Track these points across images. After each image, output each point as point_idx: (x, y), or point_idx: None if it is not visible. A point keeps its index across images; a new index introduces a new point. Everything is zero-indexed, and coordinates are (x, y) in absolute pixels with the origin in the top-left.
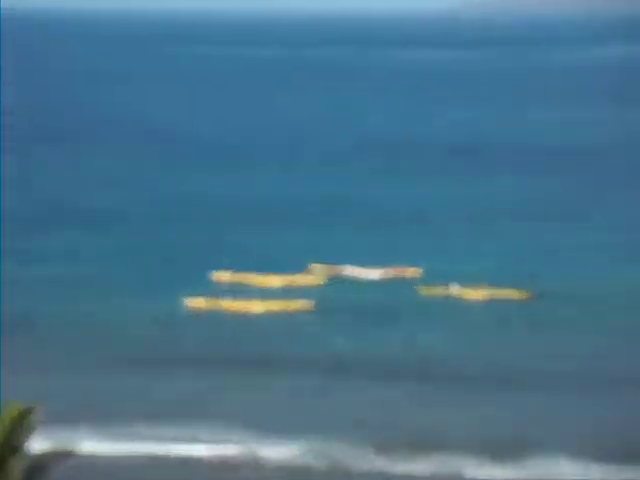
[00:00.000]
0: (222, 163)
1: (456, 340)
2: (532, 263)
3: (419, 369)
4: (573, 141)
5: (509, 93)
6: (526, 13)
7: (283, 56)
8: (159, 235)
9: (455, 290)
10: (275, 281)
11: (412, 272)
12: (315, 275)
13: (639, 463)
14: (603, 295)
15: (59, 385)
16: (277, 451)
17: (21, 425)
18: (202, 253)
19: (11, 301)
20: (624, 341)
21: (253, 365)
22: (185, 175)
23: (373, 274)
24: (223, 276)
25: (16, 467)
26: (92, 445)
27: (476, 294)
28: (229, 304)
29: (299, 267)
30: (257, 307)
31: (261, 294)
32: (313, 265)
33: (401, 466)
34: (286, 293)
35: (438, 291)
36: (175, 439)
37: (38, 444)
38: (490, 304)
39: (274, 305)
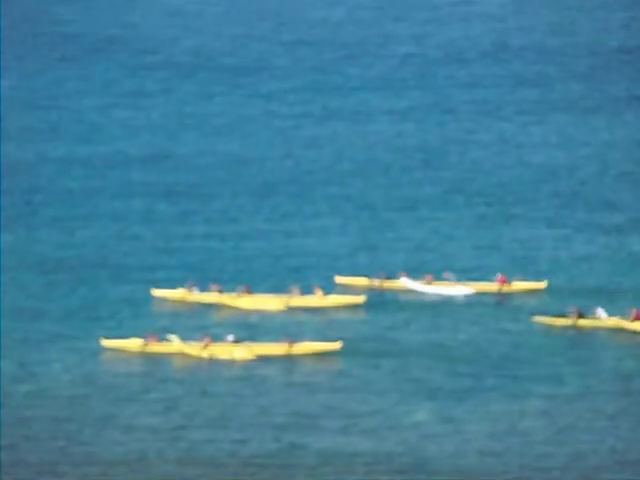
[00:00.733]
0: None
1: None
2: None
3: None
4: None
5: None
6: None
7: None
8: None
9: None
10: (272, 302)
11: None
12: (342, 294)
13: None
14: None
15: None
16: None
17: None
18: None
19: None
20: None
21: None
22: None
23: (455, 289)
24: (173, 295)
25: None
26: None
27: None
28: (187, 347)
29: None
30: (239, 351)
31: (247, 326)
32: (339, 279)
33: None
34: (289, 323)
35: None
36: None
37: None
38: None
39: (266, 348)
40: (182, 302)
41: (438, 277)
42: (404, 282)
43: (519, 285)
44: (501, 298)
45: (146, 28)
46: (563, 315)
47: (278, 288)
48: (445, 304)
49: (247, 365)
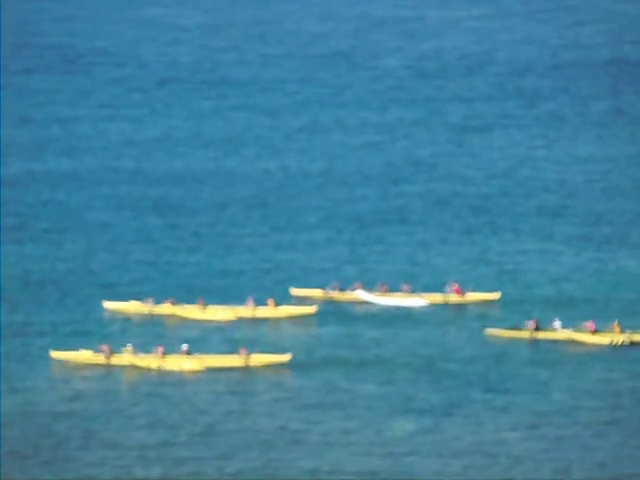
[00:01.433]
0: None
1: None
2: None
3: None
4: None
5: None
6: None
7: None
8: None
9: None
10: (222, 314)
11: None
12: (297, 305)
13: None
14: None
15: None
16: None
17: None
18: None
19: None
20: None
21: None
22: None
23: (410, 300)
24: (124, 308)
25: None
26: None
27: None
28: (136, 359)
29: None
30: (190, 363)
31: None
32: (294, 290)
33: None
34: (240, 336)
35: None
36: None
37: None
38: None
39: (218, 360)
40: (135, 314)
41: (394, 289)
42: (359, 294)
43: (473, 296)
44: (456, 309)
45: (127, 41)
46: (517, 327)
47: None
48: (398, 315)
49: (195, 377)
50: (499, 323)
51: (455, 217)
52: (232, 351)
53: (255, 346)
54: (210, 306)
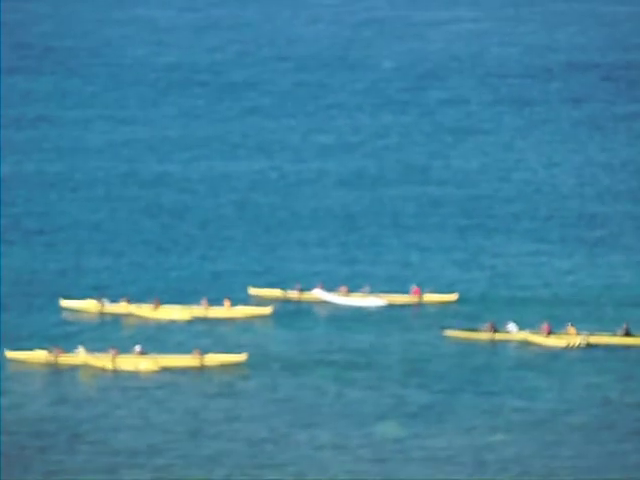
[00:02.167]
0: None
1: None
2: None
3: None
4: None
5: None
6: None
7: None
8: None
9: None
10: (179, 313)
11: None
12: (254, 305)
13: None
14: None
15: None
16: None
17: None
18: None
19: None
20: None
21: None
22: None
23: (368, 300)
24: (80, 306)
25: None
26: None
27: None
28: (92, 359)
29: (226, 293)
30: (144, 363)
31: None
32: (253, 290)
33: None
34: (198, 335)
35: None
36: None
37: None
38: None
39: (173, 359)
40: (91, 313)
41: (353, 289)
42: (318, 293)
43: (431, 297)
44: (414, 310)
45: (124, 43)
46: (474, 329)
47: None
48: (356, 316)
49: (150, 377)
50: (457, 324)
51: (448, 219)
52: (188, 351)
53: (211, 346)
54: (165, 305)
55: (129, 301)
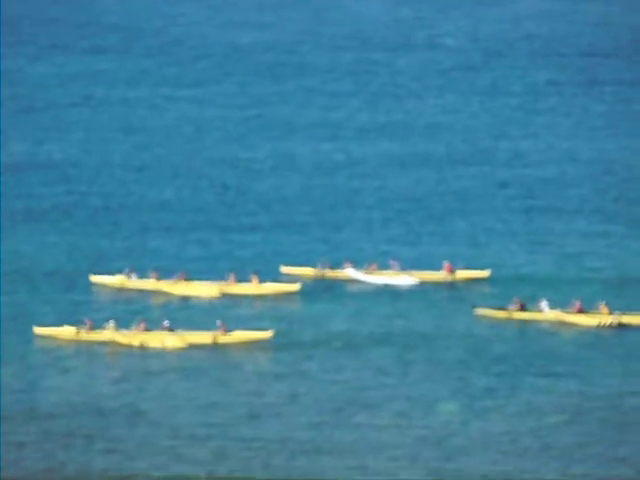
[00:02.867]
0: None
1: None
2: None
3: None
4: None
5: None
6: None
7: None
8: None
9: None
10: (207, 290)
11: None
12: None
13: None
14: None
15: None
16: None
17: None
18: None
19: None
20: None
21: None
22: None
23: (399, 278)
24: (111, 282)
25: None
26: None
27: None
28: (118, 335)
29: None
30: (171, 339)
31: (180, 314)
32: (284, 268)
33: None
34: (225, 311)
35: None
36: None
37: None
38: None
39: (199, 336)
40: (121, 288)
41: (383, 266)
42: (348, 272)
43: (463, 274)
44: (446, 287)
45: (190, 22)
46: (504, 307)
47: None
48: (387, 293)
49: (177, 354)
50: (489, 302)
51: (514, 199)
52: (214, 328)
53: (237, 323)
54: (193, 281)
55: (158, 277)
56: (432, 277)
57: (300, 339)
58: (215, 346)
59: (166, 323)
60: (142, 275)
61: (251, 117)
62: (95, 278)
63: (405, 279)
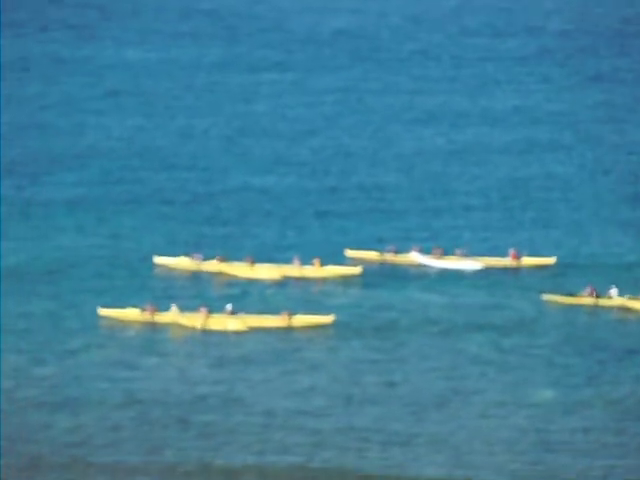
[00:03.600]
0: None
1: None
2: None
3: None
4: None
5: None
6: None
7: None
8: None
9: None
10: (270, 272)
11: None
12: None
13: None
14: None
15: None
16: None
17: None
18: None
19: None
20: None
21: None
22: None
23: (464, 263)
24: (173, 264)
25: None
26: None
27: None
28: (182, 318)
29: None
30: (233, 323)
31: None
32: (349, 252)
33: None
34: (287, 294)
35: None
36: None
37: None
38: None
39: (261, 320)
40: (184, 271)
41: (449, 252)
42: (414, 256)
43: (529, 261)
44: (511, 273)
45: (290, 8)
46: (573, 294)
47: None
48: (450, 278)
49: (240, 337)
50: (555, 289)
51: (618, 185)
52: (276, 311)
53: (299, 306)
54: (257, 264)
55: (222, 259)
56: (497, 263)
57: (361, 322)
58: (278, 330)
59: (229, 306)
60: (207, 257)
61: (351, 103)
62: (159, 260)
63: (470, 264)
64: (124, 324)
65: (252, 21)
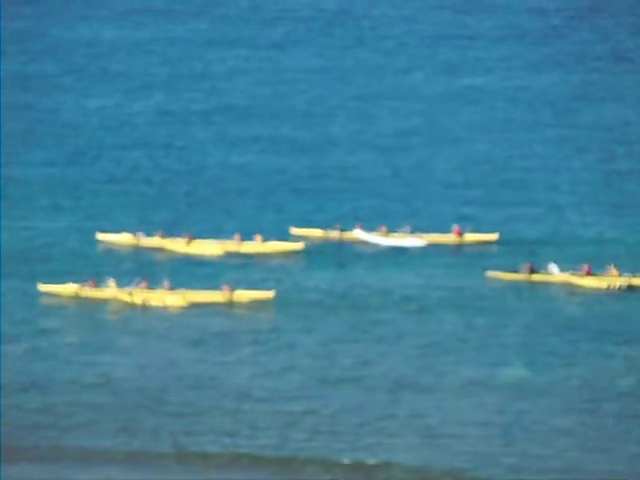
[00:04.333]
0: None
1: None
2: None
3: None
4: None
5: None
6: None
7: None
8: None
9: None
10: (211, 248)
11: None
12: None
13: None
14: None
15: None
16: None
17: None
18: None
19: None
20: None
21: None
22: None
23: (407, 240)
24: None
25: None
26: None
27: None
28: (120, 293)
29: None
30: (172, 298)
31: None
32: (294, 230)
33: None
34: (228, 270)
35: None
36: None
37: None
38: None
39: (201, 295)
40: (125, 246)
41: (393, 229)
42: (358, 234)
43: (472, 237)
44: (454, 250)
45: None
46: (515, 270)
47: None
48: (393, 254)
49: (179, 313)
50: (497, 264)
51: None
52: (217, 287)
53: (239, 282)
54: (197, 240)
55: (163, 235)
56: (441, 239)
57: (301, 298)
58: (217, 305)
59: (165, 282)
60: (149, 234)
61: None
62: (102, 236)
63: (414, 241)
64: (63, 300)
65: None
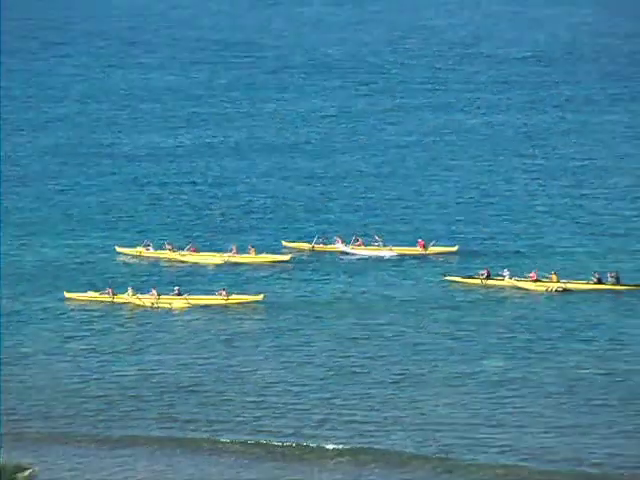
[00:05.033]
0: None
1: None
2: None
3: None
4: None
5: None
6: None
7: None
8: None
9: None
10: (212, 259)
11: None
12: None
13: None
14: None
15: None
16: None
17: None
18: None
19: None
20: None
21: None
22: None
23: (380, 252)
24: (132, 252)
25: None
26: None
27: None
28: (135, 299)
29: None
30: (177, 302)
31: (189, 280)
32: (286, 243)
33: None
34: (226, 277)
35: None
36: None
37: None
38: None
39: (202, 299)
40: (141, 257)
41: (368, 242)
42: (338, 246)
43: (434, 249)
44: (419, 260)
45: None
46: (472, 276)
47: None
48: (367, 264)
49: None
50: (456, 272)
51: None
52: (216, 291)
53: (235, 287)
54: (201, 253)
55: (172, 248)
56: (408, 251)
57: (287, 300)
58: (214, 307)
59: (176, 289)
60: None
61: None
62: (119, 249)
63: (385, 252)
64: (88, 304)
65: None
